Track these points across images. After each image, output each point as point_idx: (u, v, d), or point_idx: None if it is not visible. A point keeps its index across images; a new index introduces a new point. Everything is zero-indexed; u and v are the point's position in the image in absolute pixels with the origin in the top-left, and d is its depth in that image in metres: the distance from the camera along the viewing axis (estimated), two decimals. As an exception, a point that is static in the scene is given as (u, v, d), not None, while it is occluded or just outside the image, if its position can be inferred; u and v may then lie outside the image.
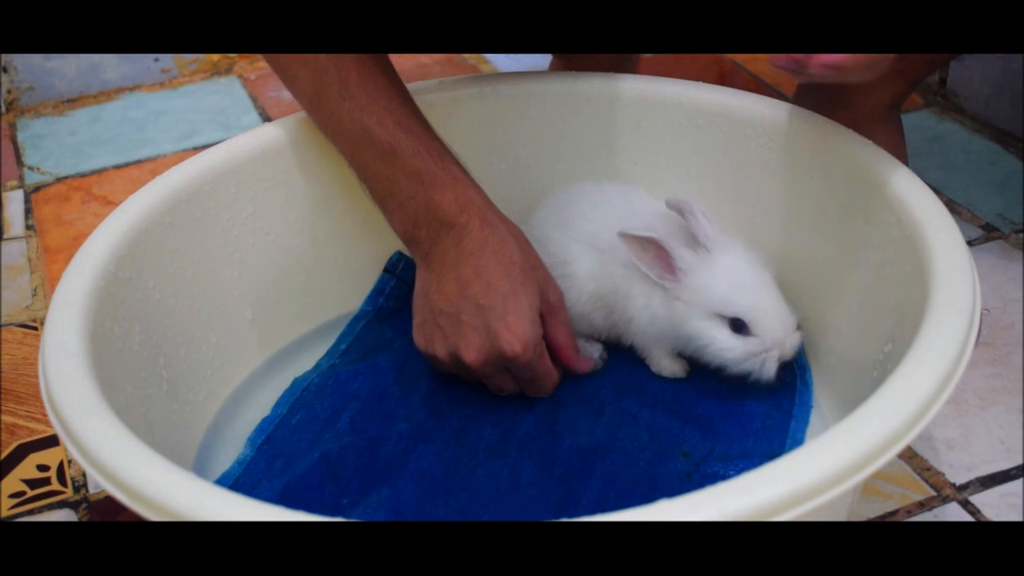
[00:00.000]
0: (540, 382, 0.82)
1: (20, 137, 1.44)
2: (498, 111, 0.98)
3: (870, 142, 0.83)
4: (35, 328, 1.06)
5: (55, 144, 1.41)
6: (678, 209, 0.81)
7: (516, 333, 0.78)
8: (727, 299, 0.79)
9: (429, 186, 0.80)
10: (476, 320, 0.78)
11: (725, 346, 0.80)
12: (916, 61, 0.97)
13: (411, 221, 0.82)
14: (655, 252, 0.80)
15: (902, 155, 0.97)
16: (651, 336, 0.85)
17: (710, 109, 0.92)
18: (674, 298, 0.81)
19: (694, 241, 0.81)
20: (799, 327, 0.82)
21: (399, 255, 0.98)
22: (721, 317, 0.80)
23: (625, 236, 0.80)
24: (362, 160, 0.83)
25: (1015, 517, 0.78)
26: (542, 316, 0.81)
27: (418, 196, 0.81)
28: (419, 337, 0.83)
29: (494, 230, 0.80)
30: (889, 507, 0.80)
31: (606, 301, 0.86)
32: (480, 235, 0.80)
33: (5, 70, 1.48)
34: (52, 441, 0.91)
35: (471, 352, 0.79)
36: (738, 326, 0.79)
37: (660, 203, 0.86)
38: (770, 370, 0.80)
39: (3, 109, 1.49)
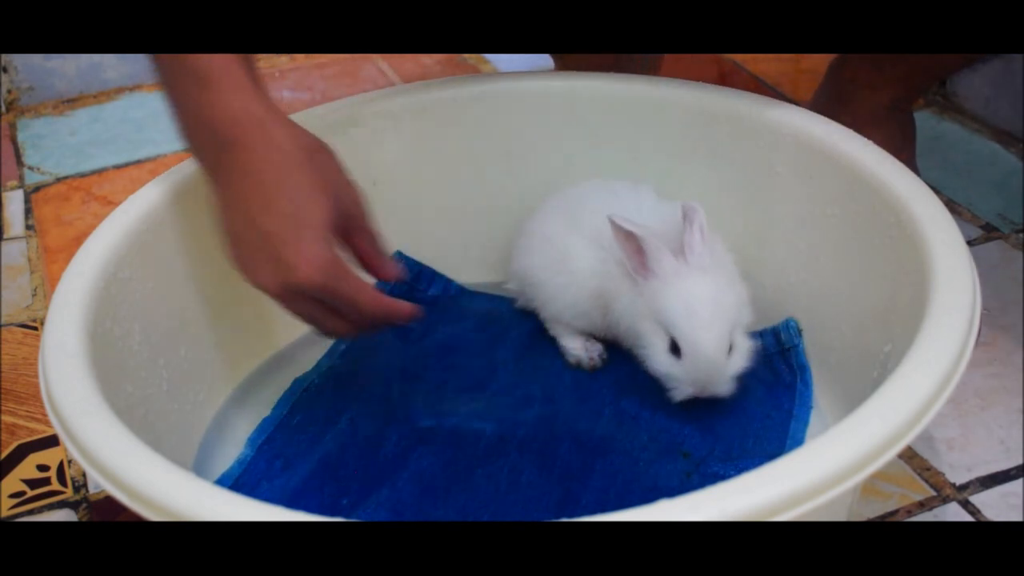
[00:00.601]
0: (357, 305, 0.73)
1: (20, 137, 1.44)
2: (498, 111, 0.98)
3: (870, 142, 0.83)
4: (35, 328, 1.06)
5: (55, 144, 1.41)
6: (686, 213, 0.81)
7: (306, 258, 0.69)
8: (673, 320, 0.79)
9: (209, 88, 0.72)
10: (265, 248, 0.70)
11: (655, 358, 0.81)
12: (915, 68, 0.97)
13: (190, 127, 0.74)
14: (636, 247, 0.80)
15: (905, 158, 0.97)
16: (638, 337, 0.85)
17: (710, 109, 0.92)
18: (639, 294, 0.81)
19: (680, 251, 0.80)
20: (738, 375, 0.81)
21: (399, 255, 0.98)
22: (666, 330, 0.80)
23: (613, 222, 0.80)
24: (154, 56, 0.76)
25: (1015, 517, 0.78)
26: (345, 232, 0.75)
27: (196, 99, 0.72)
28: (232, 262, 0.75)
29: (275, 147, 0.71)
30: (889, 507, 0.80)
31: (605, 299, 0.86)
32: (261, 153, 0.71)
33: (5, 70, 1.48)
34: (52, 441, 0.91)
35: (268, 284, 0.71)
36: (675, 347, 0.79)
37: (668, 205, 0.86)
38: (678, 396, 0.81)
39: (3, 109, 1.49)
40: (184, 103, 0.73)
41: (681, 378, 0.80)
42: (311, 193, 0.71)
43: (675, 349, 0.79)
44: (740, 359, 0.80)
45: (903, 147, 1.00)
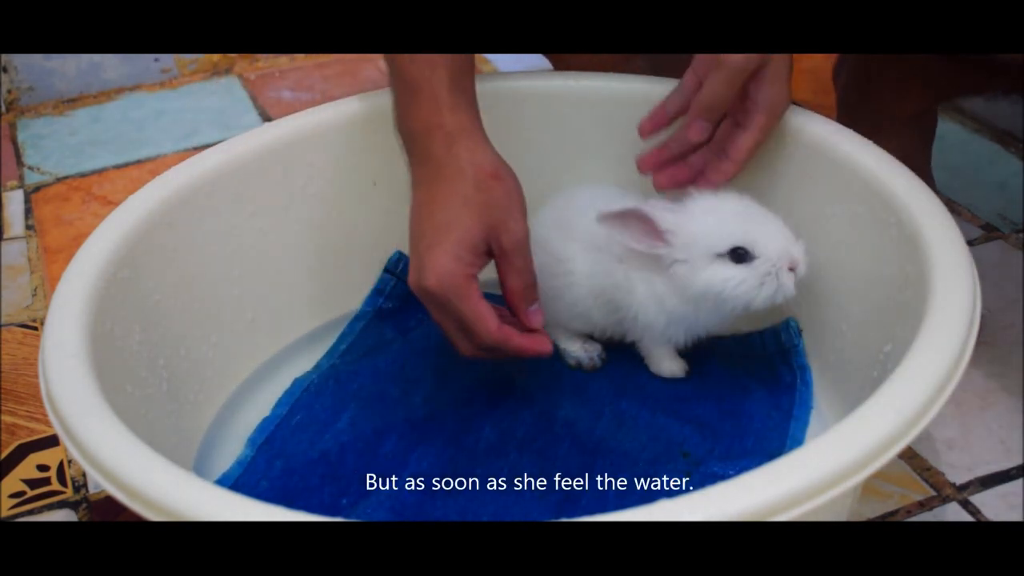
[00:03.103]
0: (470, 326, 0.77)
1: (20, 137, 1.44)
2: (498, 111, 0.97)
3: (870, 142, 0.83)
4: (35, 328, 1.06)
5: (55, 144, 1.42)
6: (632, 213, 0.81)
7: (434, 266, 0.75)
8: (718, 233, 0.78)
9: (412, 96, 0.79)
10: (417, 248, 0.77)
11: (736, 280, 0.78)
12: (941, 83, 0.97)
13: (397, 121, 0.82)
14: (638, 224, 0.80)
15: (919, 164, 0.97)
16: (659, 328, 0.84)
17: (710, 109, 0.92)
18: (671, 263, 0.80)
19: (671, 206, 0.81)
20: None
21: (399, 255, 0.98)
22: (721, 256, 0.78)
23: (605, 217, 0.80)
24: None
25: (1015, 517, 0.78)
26: (496, 261, 0.78)
27: (402, 101, 0.81)
28: None
29: (454, 160, 0.77)
30: (889, 507, 0.80)
31: (608, 298, 0.85)
32: (439, 161, 0.78)
33: (5, 70, 1.48)
34: (52, 441, 0.91)
35: (409, 278, 0.78)
36: (740, 256, 0.78)
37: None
38: (788, 285, 0.78)
39: (3, 109, 1.50)
40: (397, 101, 0.81)
41: (769, 268, 0.78)
42: (463, 211, 0.76)
43: (739, 259, 0.78)
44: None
45: (917, 154, 1.00)
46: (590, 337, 0.90)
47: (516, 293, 0.80)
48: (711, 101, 0.80)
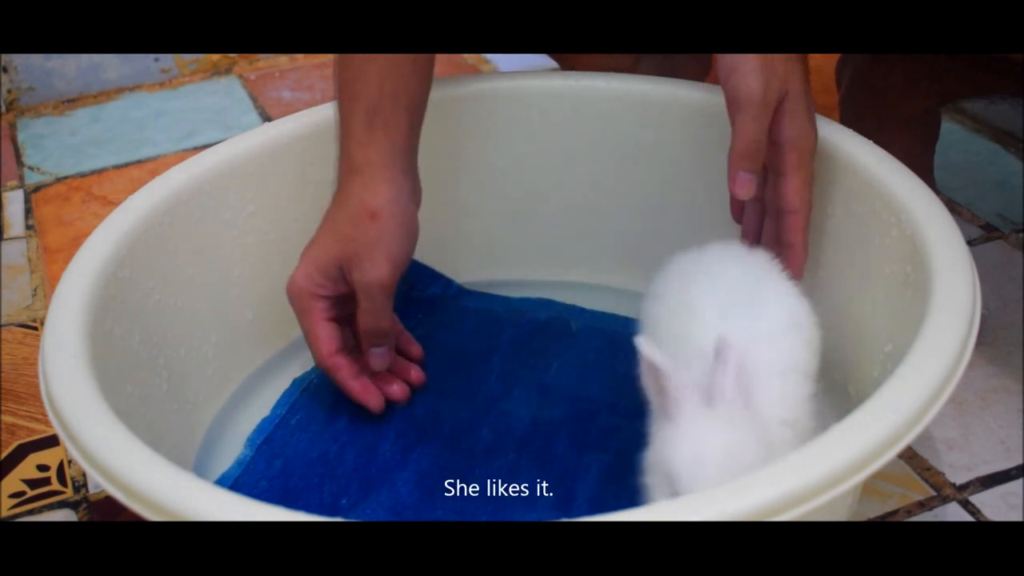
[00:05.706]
0: (308, 343, 0.83)
1: (20, 137, 1.44)
2: (498, 111, 0.98)
3: (871, 142, 0.83)
4: (35, 328, 1.06)
5: (55, 144, 1.42)
6: (719, 350, 0.66)
7: (293, 278, 0.81)
8: (677, 474, 0.62)
9: (339, 122, 0.83)
10: None
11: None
12: (946, 83, 0.97)
13: None
14: (657, 382, 0.66)
15: (921, 164, 0.97)
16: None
17: (710, 109, 0.92)
18: (654, 435, 0.67)
19: (710, 392, 0.66)
20: None
21: (399, 255, 0.98)
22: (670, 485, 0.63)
23: (642, 348, 0.67)
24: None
25: (1015, 517, 0.78)
26: (357, 296, 0.80)
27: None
28: None
29: (344, 190, 0.81)
30: (889, 507, 0.80)
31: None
32: (338, 187, 0.81)
33: (5, 70, 1.48)
34: (52, 441, 0.91)
35: None
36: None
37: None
38: None
39: (3, 109, 1.50)
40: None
41: None
42: (328, 236, 0.80)
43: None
44: None
45: (920, 155, 1.00)
46: None
47: (361, 331, 0.82)
48: (744, 148, 0.74)
